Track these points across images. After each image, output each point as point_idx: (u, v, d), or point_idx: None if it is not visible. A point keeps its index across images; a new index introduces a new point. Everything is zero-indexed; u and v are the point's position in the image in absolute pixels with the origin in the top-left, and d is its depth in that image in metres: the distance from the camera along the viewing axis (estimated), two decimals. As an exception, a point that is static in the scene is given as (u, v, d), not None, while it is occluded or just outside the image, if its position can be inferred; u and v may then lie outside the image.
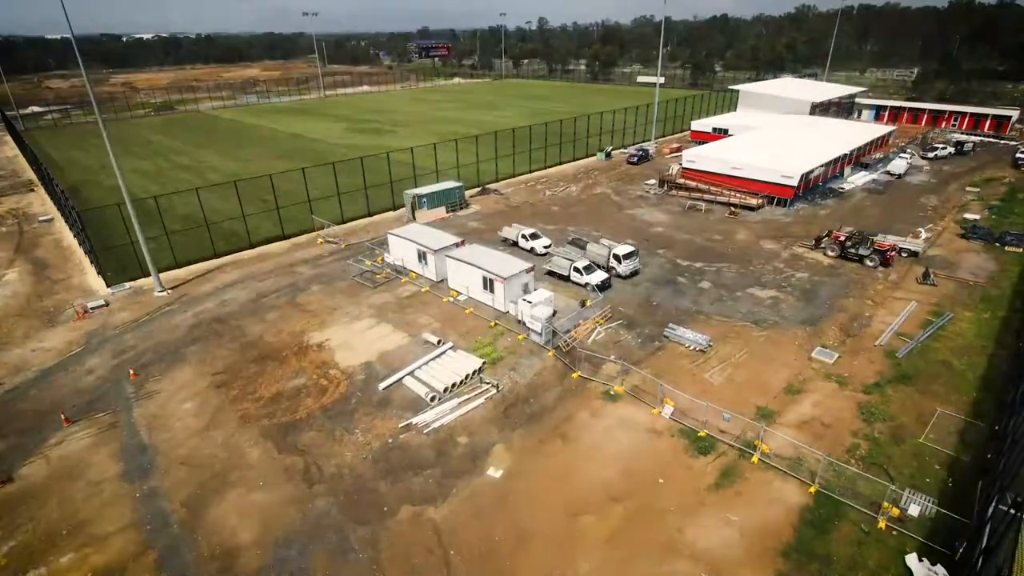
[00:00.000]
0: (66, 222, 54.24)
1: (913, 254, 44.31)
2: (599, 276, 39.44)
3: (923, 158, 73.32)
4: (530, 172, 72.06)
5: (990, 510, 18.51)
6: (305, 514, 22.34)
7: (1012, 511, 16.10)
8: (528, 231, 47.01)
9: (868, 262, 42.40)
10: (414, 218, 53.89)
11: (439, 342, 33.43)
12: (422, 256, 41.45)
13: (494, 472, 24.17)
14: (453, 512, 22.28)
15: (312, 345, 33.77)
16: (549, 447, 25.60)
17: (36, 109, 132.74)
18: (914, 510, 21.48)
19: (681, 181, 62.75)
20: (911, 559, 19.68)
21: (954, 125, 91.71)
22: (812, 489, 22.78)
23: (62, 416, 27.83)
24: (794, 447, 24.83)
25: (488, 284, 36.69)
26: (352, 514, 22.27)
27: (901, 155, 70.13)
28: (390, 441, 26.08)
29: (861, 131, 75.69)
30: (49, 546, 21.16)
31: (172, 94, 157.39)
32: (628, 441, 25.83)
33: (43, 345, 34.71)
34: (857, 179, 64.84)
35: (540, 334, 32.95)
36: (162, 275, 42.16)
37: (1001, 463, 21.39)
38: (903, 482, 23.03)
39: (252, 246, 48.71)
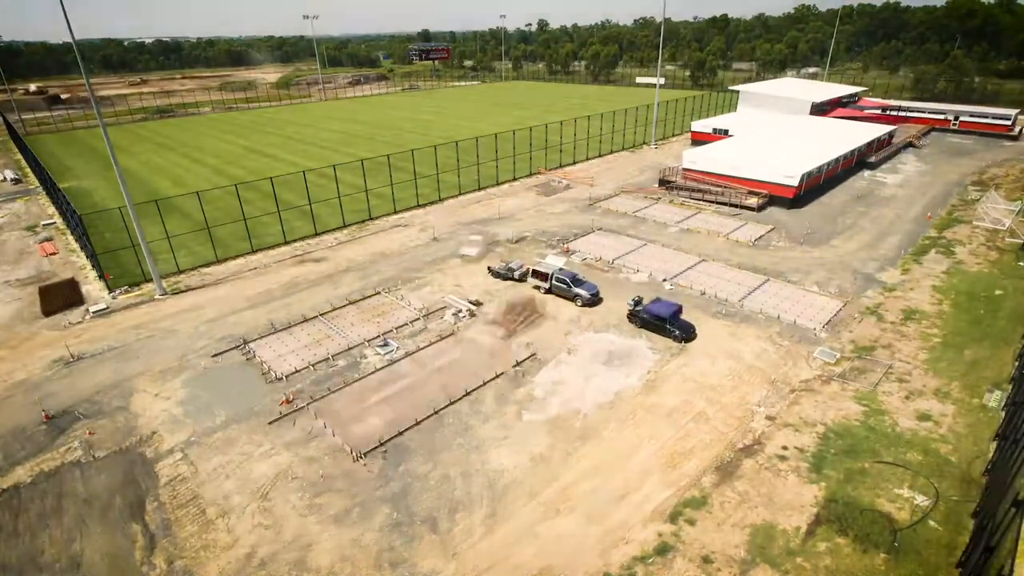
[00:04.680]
0: (68, 225, 54.41)
1: None
2: None
3: None
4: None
5: (992, 508, 18.45)
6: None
7: (1013, 509, 16.05)
8: None
9: None
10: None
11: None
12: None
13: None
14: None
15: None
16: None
17: (38, 114, 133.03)
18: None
19: (681, 182, 62.76)
20: None
21: (954, 124, 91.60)
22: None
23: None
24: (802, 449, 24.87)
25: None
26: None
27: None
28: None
29: (862, 131, 75.61)
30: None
31: (174, 98, 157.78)
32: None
33: (38, 352, 34.85)
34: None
35: None
36: (173, 277, 42.41)
37: (1003, 461, 21.33)
38: (909, 480, 23.03)
39: (253, 250, 48.93)
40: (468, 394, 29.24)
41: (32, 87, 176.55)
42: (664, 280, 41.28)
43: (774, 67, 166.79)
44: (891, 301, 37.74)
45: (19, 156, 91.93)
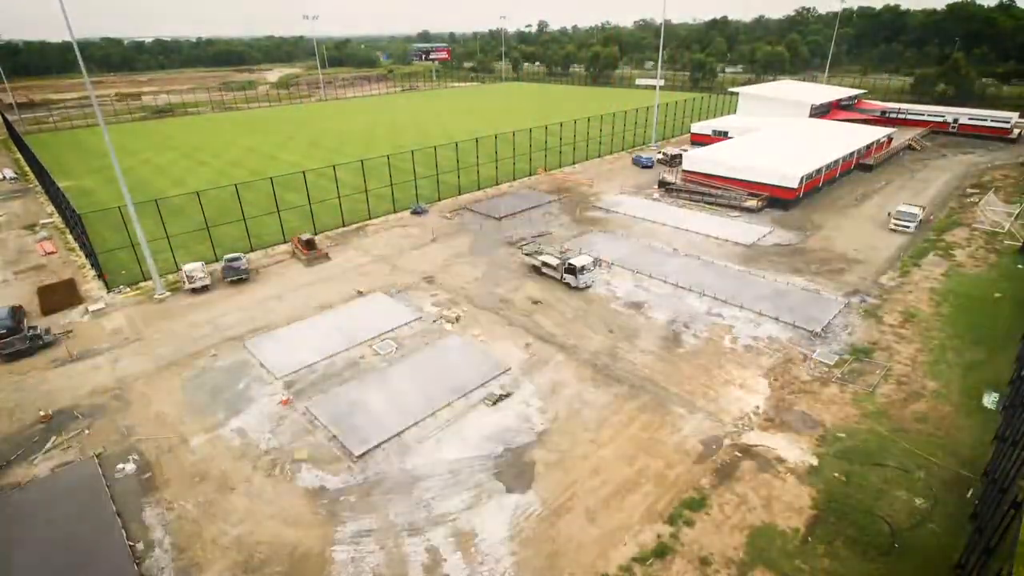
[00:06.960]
0: (67, 224, 54.32)
1: None
2: None
3: None
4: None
5: (991, 510, 18.46)
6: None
7: (1012, 511, 16.06)
8: None
9: None
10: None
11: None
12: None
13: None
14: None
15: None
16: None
17: (37, 113, 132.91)
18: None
19: (680, 184, 62.78)
20: None
21: (953, 127, 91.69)
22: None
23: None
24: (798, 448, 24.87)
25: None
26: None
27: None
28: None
29: (861, 133, 75.70)
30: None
31: (173, 97, 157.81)
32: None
33: (35, 352, 34.73)
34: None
35: None
36: (172, 276, 42.37)
37: (1002, 463, 21.34)
38: (907, 482, 23.04)
39: (252, 249, 48.87)
40: (464, 396, 29.27)
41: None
42: (665, 281, 41.31)
43: (773, 69, 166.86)
44: (890, 303, 37.73)
45: (18, 155, 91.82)
